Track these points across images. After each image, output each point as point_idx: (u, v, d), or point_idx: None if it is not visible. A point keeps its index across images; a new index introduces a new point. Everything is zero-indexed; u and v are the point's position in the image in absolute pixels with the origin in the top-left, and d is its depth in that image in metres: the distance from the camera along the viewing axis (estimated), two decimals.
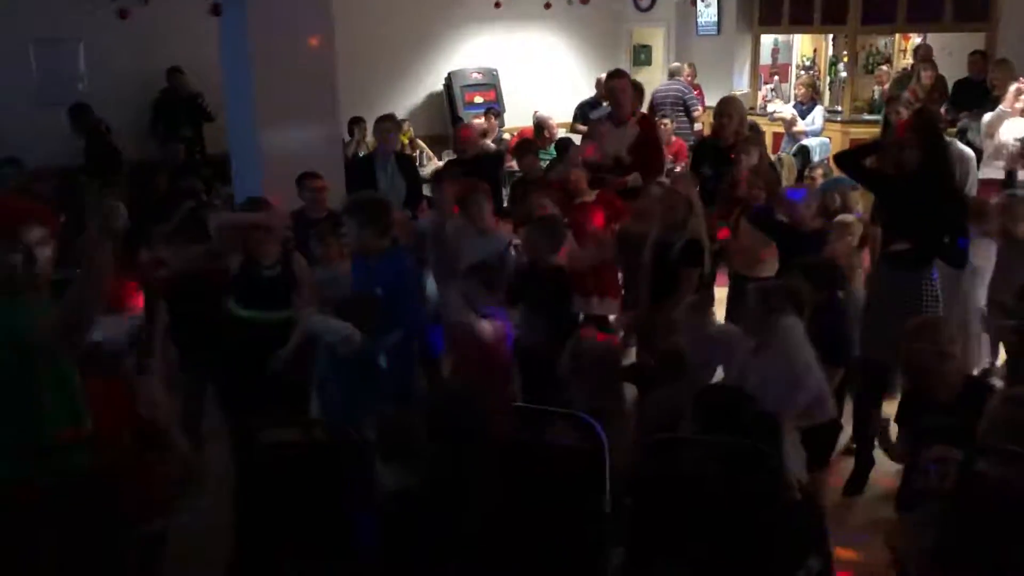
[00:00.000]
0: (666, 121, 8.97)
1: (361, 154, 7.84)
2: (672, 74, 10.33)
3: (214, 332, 4.31)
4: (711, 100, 9.82)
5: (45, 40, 8.31)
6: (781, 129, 9.69)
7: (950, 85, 8.75)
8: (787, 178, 7.89)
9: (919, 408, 3.31)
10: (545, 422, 3.24)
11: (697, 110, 9.68)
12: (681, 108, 9.58)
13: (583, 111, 9.36)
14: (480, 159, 7.05)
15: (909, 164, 4.30)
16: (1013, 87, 6.69)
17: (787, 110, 9.74)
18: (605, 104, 8.88)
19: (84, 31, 8.41)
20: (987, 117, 6.79)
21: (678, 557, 2.66)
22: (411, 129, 9.43)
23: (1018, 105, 6.57)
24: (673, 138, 8.91)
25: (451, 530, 2.81)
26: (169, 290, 4.43)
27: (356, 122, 8.42)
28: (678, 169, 8.24)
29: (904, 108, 6.72)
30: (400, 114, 9.57)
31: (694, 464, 2.78)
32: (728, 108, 6.03)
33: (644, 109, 8.85)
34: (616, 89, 6.25)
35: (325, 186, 5.38)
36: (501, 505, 2.90)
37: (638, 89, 6.61)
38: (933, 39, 10.35)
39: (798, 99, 9.92)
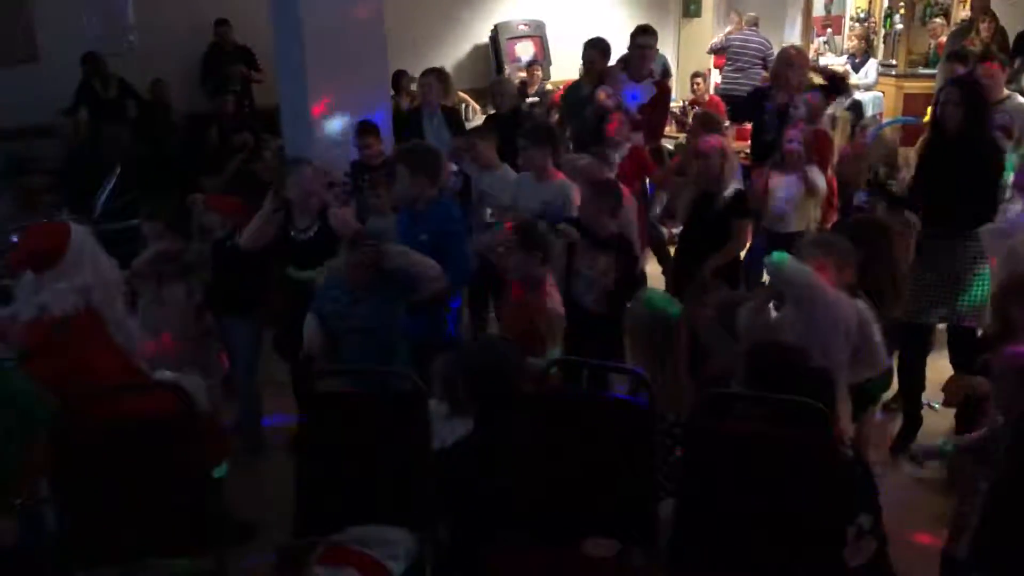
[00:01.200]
0: (699, 80, 8.87)
1: (406, 107, 7.83)
2: (750, 24, 9.98)
3: (251, 300, 4.37)
4: None
5: None
6: None
7: (1012, 37, 8.46)
8: (840, 136, 7.72)
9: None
10: (597, 375, 3.28)
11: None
12: (760, 61, 9.27)
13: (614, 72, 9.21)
14: (517, 113, 7.00)
15: (951, 121, 4.15)
16: None
17: (839, 64, 9.52)
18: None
19: None
20: None
21: (728, 511, 2.69)
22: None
23: None
24: (708, 96, 8.77)
25: (499, 484, 2.86)
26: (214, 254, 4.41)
27: (401, 75, 8.40)
28: (726, 125, 8.15)
29: (961, 66, 6.48)
30: (446, 66, 9.53)
31: (747, 418, 2.79)
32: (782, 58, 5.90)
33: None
34: (646, 46, 6.19)
35: (378, 140, 5.45)
36: (550, 457, 2.94)
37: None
38: None
39: (850, 52, 9.68)
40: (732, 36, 9.63)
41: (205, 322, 4.39)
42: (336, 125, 5.85)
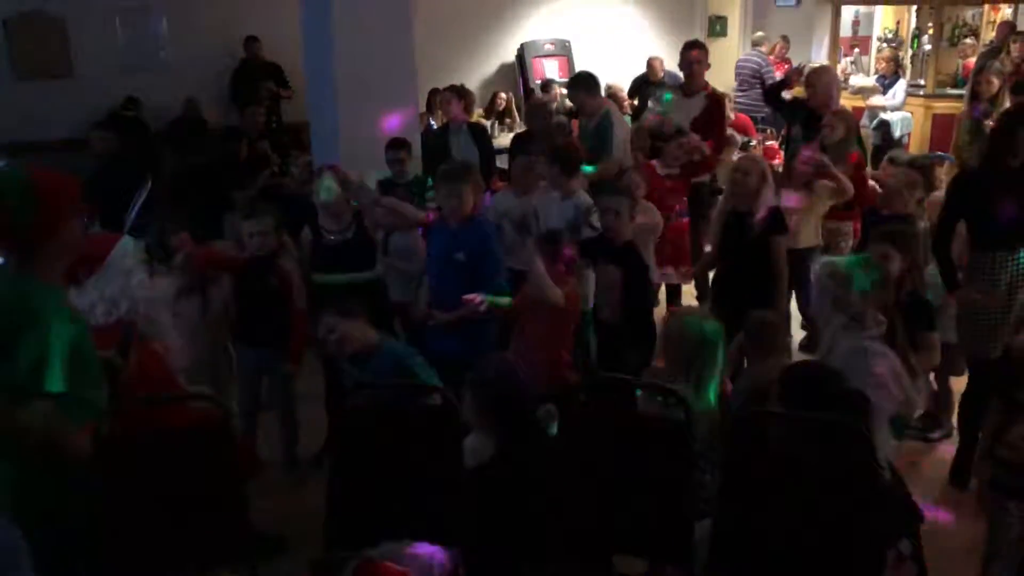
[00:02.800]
0: (728, 95, 8.90)
1: (435, 125, 7.88)
2: (754, 44, 10.17)
3: (274, 315, 4.29)
4: None
5: (130, 9, 8.51)
6: (862, 103, 9.44)
7: None
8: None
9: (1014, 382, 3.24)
10: (632, 392, 3.26)
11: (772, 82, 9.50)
12: (757, 81, 9.45)
13: (635, 87, 9.29)
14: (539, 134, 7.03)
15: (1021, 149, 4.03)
16: None
17: (868, 81, 9.51)
18: (658, 81, 8.95)
19: (167, 1, 8.60)
20: None
21: (766, 533, 2.65)
22: (503, 100, 9.45)
23: None
24: (733, 114, 8.81)
25: (531, 502, 2.83)
26: (239, 268, 4.35)
27: (433, 93, 8.46)
28: (754, 143, 8.16)
29: (996, 77, 6.44)
30: (472, 85, 9.60)
31: (785, 439, 2.75)
32: (811, 78, 5.95)
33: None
34: (692, 60, 6.21)
35: (409, 155, 5.49)
36: (584, 475, 2.91)
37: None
38: (1022, 11, 9.96)
39: (880, 72, 9.66)
40: (737, 60, 9.74)
41: (218, 340, 4.38)
42: (365, 142, 5.87)
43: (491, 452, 2.99)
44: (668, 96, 6.32)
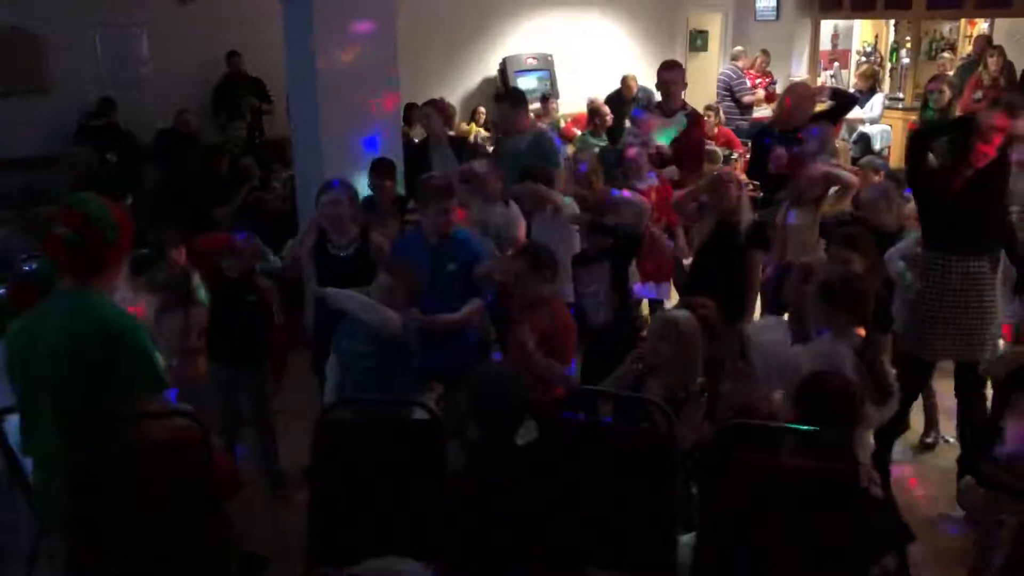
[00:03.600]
0: (710, 112, 9.00)
1: (416, 139, 7.87)
2: (732, 58, 10.31)
3: (254, 332, 4.27)
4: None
5: (110, 26, 8.46)
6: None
7: (1018, 72, 8.52)
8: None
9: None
10: (617, 406, 3.24)
11: (747, 96, 9.66)
12: (727, 92, 9.66)
13: (612, 104, 9.34)
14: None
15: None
16: None
17: None
18: (632, 99, 9.02)
19: (147, 17, 8.56)
20: None
21: (749, 545, 2.64)
22: (483, 114, 9.47)
23: None
24: (717, 128, 8.91)
25: (515, 514, 2.80)
26: (218, 285, 4.30)
27: (411, 108, 8.46)
28: (735, 157, 8.21)
29: (947, 88, 6.51)
30: (455, 99, 9.62)
31: (770, 452, 2.74)
32: (785, 92, 6.06)
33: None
34: (669, 81, 6.25)
35: (393, 180, 5.42)
36: (570, 489, 2.89)
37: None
38: (999, 24, 10.09)
39: (856, 87, 9.75)
40: (719, 72, 9.91)
41: (197, 357, 4.34)
42: (348, 157, 5.85)
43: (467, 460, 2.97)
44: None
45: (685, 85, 6.40)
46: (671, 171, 5.97)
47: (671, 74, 6.23)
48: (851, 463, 2.55)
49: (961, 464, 4.23)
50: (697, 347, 3.22)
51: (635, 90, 9.50)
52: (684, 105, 6.31)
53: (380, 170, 5.34)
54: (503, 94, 6.01)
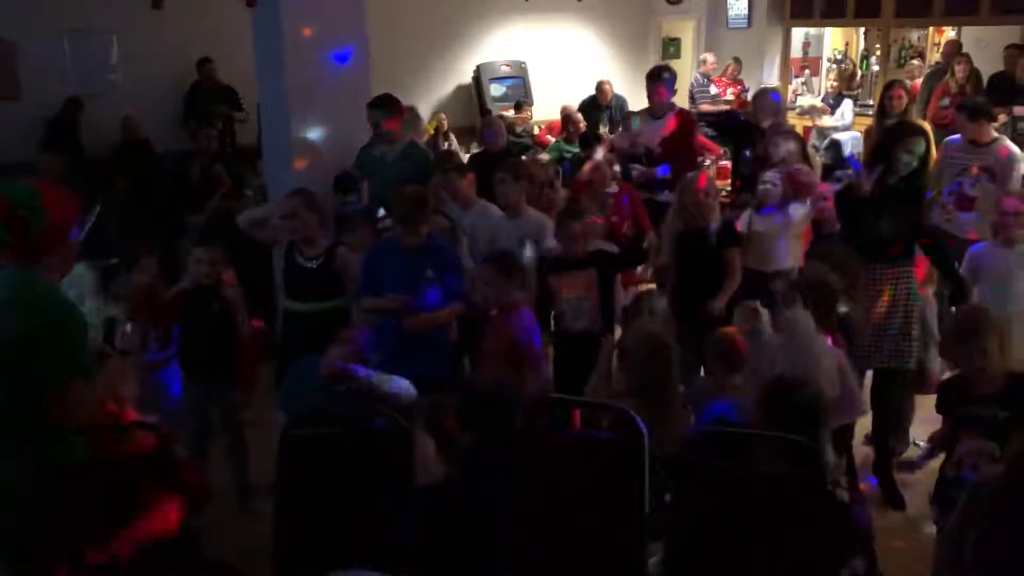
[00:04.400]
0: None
1: None
2: (700, 64, 10.45)
3: (220, 343, 4.22)
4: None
5: (79, 32, 8.39)
6: (809, 123, 9.62)
7: (984, 79, 8.63)
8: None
9: (959, 398, 3.29)
10: (584, 414, 3.24)
11: (705, 104, 9.91)
12: (690, 98, 9.95)
13: (583, 110, 9.40)
14: (506, 153, 7.05)
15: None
16: None
17: (817, 100, 9.70)
18: (606, 105, 9.10)
19: (117, 23, 8.49)
20: None
21: (717, 552, 2.64)
22: (445, 121, 9.46)
23: None
24: None
25: (485, 525, 2.80)
26: (182, 301, 4.24)
27: None
28: (707, 162, 8.25)
29: (904, 94, 6.63)
30: (428, 106, 9.61)
31: (738, 458, 2.75)
32: (754, 100, 6.26)
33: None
34: (650, 90, 6.42)
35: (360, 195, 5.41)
36: (537, 498, 2.88)
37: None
38: (966, 32, 10.23)
39: (828, 92, 9.89)
40: None
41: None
42: (318, 164, 5.82)
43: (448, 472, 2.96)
44: (635, 124, 6.35)
45: (675, 92, 6.53)
46: (663, 170, 6.06)
47: (650, 86, 6.41)
48: (820, 468, 2.56)
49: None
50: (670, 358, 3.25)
51: (610, 96, 9.55)
52: (672, 106, 6.42)
53: (345, 189, 5.33)
54: (375, 100, 5.63)
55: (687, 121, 6.41)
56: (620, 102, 9.54)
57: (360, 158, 5.70)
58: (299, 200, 4.39)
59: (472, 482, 2.86)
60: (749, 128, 6.04)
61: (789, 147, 5.30)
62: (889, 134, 4.48)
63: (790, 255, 4.83)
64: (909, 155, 4.20)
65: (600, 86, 9.66)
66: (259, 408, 4.51)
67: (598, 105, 9.39)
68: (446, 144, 9.21)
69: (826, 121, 9.36)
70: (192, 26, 8.60)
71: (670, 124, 6.24)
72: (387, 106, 5.59)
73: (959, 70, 8.58)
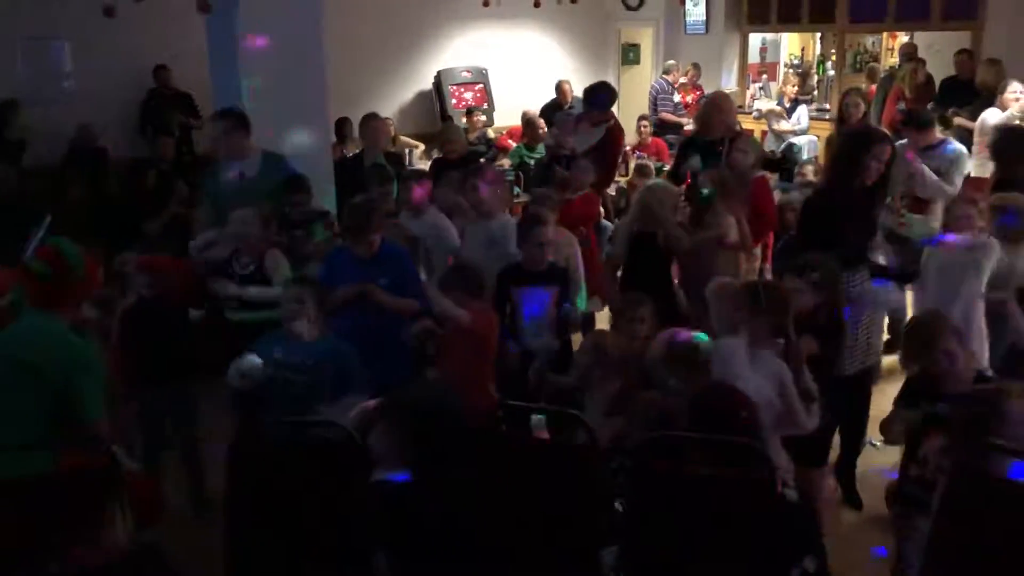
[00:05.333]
0: (644, 123, 9.34)
1: (349, 154, 7.81)
2: (664, 72, 10.56)
3: (176, 355, 4.18)
4: None
5: (31, 38, 8.24)
6: (764, 127, 9.72)
7: (936, 82, 8.80)
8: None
9: (922, 396, 3.32)
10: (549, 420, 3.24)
11: (666, 112, 10.05)
12: (652, 103, 10.07)
13: (545, 114, 9.43)
14: (467, 159, 7.06)
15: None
16: (1014, 92, 6.74)
17: (774, 105, 9.81)
18: (568, 107, 9.15)
19: (70, 29, 8.34)
20: (994, 119, 6.78)
21: (672, 557, 2.66)
22: (393, 127, 9.41)
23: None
24: (650, 139, 9.14)
25: (441, 530, 2.78)
26: (130, 314, 4.17)
27: (344, 122, 8.40)
28: (667, 169, 8.32)
29: (862, 101, 6.75)
30: (389, 112, 9.56)
31: (688, 463, 2.77)
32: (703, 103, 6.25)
33: None
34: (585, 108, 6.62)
35: (308, 195, 5.32)
36: (492, 504, 2.88)
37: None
38: (919, 37, 10.43)
39: (783, 95, 10.03)
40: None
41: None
42: None
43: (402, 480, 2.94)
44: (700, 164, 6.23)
45: (610, 106, 6.61)
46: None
47: (584, 100, 6.65)
48: (767, 470, 2.59)
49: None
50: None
51: (570, 95, 9.56)
52: (610, 118, 6.49)
53: (294, 188, 5.26)
54: (218, 113, 5.24)
55: (613, 134, 6.50)
56: (581, 105, 9.49)
57: (207, 180, 5.39)
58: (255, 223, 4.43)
59: (428, 487, 2.84)
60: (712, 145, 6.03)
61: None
62: (856, 141, 4.49)
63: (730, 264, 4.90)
64: (877, 162, 4.22)
65: (559, 86, 9.68)
66: (215, 420, 4.46)
67: (560, 107, 9.40)
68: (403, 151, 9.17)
69: (783, 125, 9.47)
70: (147, 33, 8.45)
71: (600, 136, 6.35)
72: (236, 121, 5.19)
73: (912, 74, 8.74)
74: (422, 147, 9.13)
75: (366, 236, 4.18)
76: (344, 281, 4.21)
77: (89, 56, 8.44)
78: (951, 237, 4.59)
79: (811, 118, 9.73)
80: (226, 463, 2.85)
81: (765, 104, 10.13)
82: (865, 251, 4.37)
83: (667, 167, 8.29)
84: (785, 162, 8.08)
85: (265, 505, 2.83)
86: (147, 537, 3.03)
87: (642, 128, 9.28)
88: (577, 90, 9.88)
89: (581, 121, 6.59)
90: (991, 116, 6.83)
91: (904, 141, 5.80)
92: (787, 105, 9.68)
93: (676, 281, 4.93)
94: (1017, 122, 6.69)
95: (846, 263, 4.13)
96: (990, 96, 7.16)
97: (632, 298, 4.07)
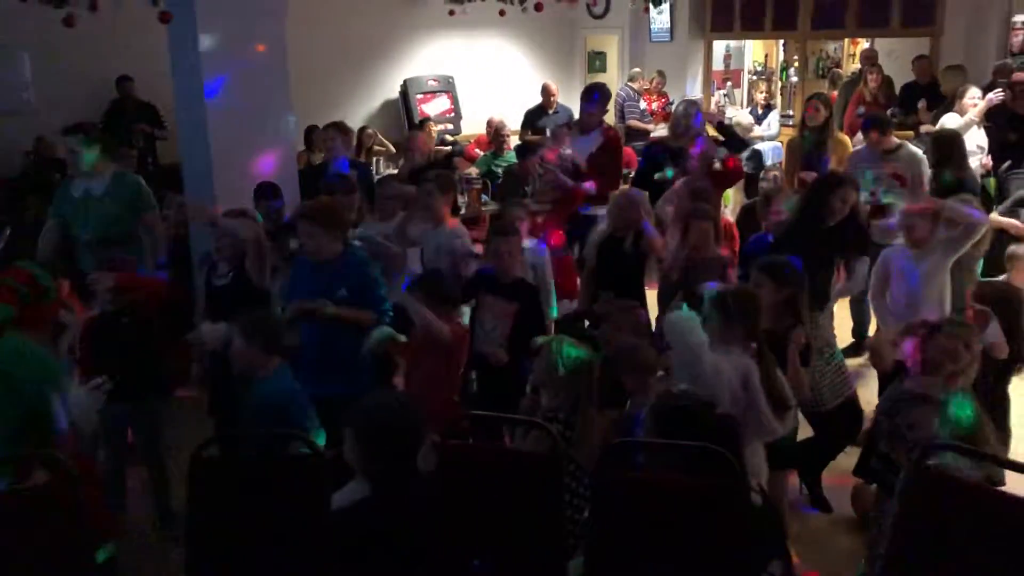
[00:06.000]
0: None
1: (316, 162, 7.77)
2: (629, 79, 10.62)
3: (139, 370, 4.11)
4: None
5: None
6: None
7: (896, 87, 8.95)
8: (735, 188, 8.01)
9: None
10: (504, 429, 3.23)
11: (633, 120, 10.11)
12: (619, 110, 10.12)
13: (529, 118, 9.43)
14: (431, 166, 7.05)
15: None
16: (972, 98, 6.84)
17: (744, 116, 9.85)
18: (552, 111, 9.15)
19: (29, 39, 8.21)
20: (952, 123, 6.87)
21: (638, 565, 2.65)
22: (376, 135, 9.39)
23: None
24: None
25: (404, 543, 2.75)
26: (93, 326, 4.05)
27: (312, 130, 8.36)
28: (632, 175, 8.36)
29: (823, 106, 6.85)
30: (355, 121, 9.52)
31: (653, 470, 2.77)
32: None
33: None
34: (582, 108, 6.66)
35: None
36: (455, 516, 2.86)
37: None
38: (879, 43, 10.60)
39: (754, 103, 10.12)
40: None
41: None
42: (240, 183, 5.72)
43: (363, 494, 2.90)
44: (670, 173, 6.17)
45: (602, 108, 6.67)
46: (588, 185, 6.15)
47: (581, 100, 6.67)
48: (736, 477, 2.58)
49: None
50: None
51: (553, 97, 9.51)
52: (601, 123, 6.55)
53: (262, 195, 5.26)
54: (71, 127, 5.17)
55: (613, 139, 6.55)
56: (565, 111, 9.46)
57: (57, 199, 5.26)
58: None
59: (390, 500, 2.80)
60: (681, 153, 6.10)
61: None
62: (823, 183, 4.67)
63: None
64: (843, 204, 4.41)
65: (545, 87, 9.57)
66: (183, 434, 4.41)
67: (545, 112, 9.39)
68: (373, 159, 9.14)
69: (754, 131, 9.55)
70: (108, 43, 8.34)
71: (597, 141, 6.39)
72: (86, 133, 5.13)
73: (872, 79, 8.88)
74: (394, 150, 9.11)
75: (314, 242, 4.06)
76: (302, 290, 4.12)
77: (49, 66, 8.32)
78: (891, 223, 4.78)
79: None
80: (188, 473, 2.79)
81: (740, 115, 10.20)
82: (827, 292, 4.47)
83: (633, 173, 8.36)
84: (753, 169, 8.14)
85: (226, 517, 2.79)
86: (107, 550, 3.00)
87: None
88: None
89: (572, 127, 6.70)
90: (950, 120, 6.94)
91: (862, 147, 5.89)
92: (759, 112, 9.76)
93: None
94: (975, 127, 6.82)
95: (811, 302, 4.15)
96: (952, 101, 7.29)
97: (622, 304, 4.15)
